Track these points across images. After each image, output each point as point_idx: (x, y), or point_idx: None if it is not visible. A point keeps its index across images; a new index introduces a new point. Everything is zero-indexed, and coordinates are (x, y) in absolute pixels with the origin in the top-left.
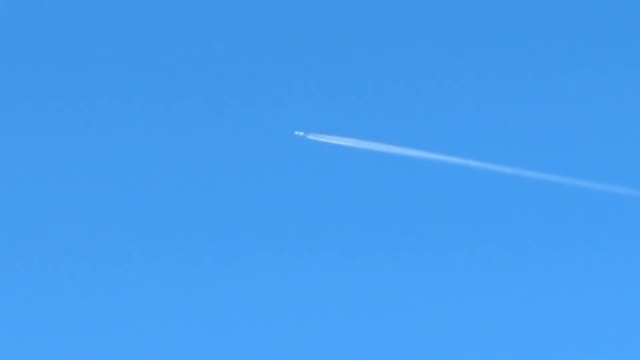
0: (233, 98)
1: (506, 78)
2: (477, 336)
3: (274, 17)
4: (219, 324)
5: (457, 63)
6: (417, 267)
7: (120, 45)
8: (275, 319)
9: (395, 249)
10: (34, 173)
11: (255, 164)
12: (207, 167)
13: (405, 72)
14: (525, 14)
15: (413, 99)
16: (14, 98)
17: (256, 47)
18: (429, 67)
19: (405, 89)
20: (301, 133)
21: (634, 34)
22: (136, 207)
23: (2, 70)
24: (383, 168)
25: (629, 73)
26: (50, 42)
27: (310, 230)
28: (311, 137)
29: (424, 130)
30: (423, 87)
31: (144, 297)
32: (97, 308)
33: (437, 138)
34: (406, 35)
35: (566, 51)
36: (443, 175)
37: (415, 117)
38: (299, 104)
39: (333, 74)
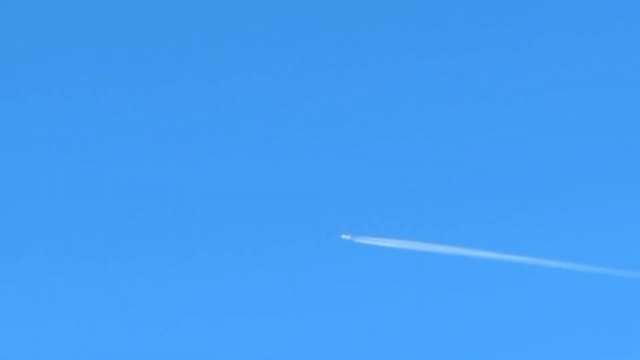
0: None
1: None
2: None
3: (319, 130)
4: None
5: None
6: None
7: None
8: None
9: (442, 348)
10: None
11: (301, 267)
12: (252, 267)
13: (448, 170)
14: None
15: (461, 197)
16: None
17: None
18: (473, 163)
19: (453, 187)
20: (348, 236)
21: None
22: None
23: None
24: (432, 267)
25: None
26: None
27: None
28: (358, 240)
29: (473, 228)
30: (469, 185)
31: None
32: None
33: (487, 236)
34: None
35: None
36: (491, 273)
37: (462, 216)
38: (345, 206)
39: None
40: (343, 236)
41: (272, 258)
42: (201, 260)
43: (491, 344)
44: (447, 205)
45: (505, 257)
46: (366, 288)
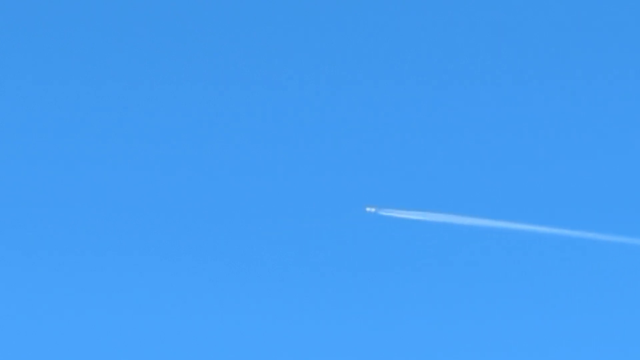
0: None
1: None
2: None
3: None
4: None
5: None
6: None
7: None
8: None
9: (470, 320)
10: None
11: (327, 240)
12: (280, 242)
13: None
14: None
15: (485, 170)
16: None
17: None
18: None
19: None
20: (373, 209)
21: None
22: None
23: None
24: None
25: None
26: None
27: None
28: (383, 212)
29: (495, 200)
30: (493, 158)
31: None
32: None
33: (511, 207)
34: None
35: None
36: (517, 244)
37: (487, 188)
38: (371, 179)
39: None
40: (367, 209)
41: (297, 232)
42: (227, 232)
43: (515, 313)
44: (475, 177)
45: (525, 227)
46: (390, 260)
